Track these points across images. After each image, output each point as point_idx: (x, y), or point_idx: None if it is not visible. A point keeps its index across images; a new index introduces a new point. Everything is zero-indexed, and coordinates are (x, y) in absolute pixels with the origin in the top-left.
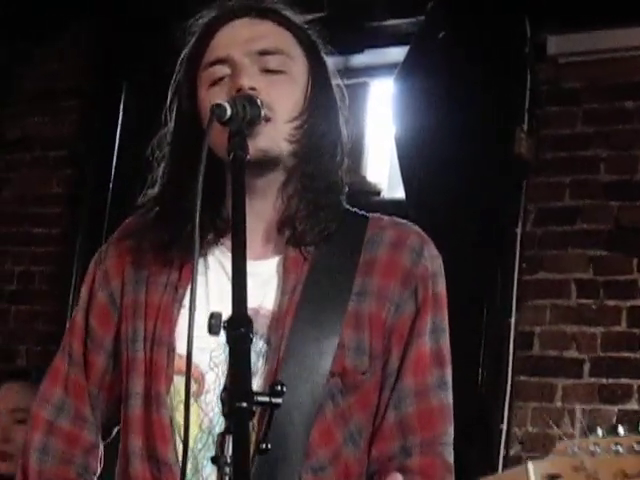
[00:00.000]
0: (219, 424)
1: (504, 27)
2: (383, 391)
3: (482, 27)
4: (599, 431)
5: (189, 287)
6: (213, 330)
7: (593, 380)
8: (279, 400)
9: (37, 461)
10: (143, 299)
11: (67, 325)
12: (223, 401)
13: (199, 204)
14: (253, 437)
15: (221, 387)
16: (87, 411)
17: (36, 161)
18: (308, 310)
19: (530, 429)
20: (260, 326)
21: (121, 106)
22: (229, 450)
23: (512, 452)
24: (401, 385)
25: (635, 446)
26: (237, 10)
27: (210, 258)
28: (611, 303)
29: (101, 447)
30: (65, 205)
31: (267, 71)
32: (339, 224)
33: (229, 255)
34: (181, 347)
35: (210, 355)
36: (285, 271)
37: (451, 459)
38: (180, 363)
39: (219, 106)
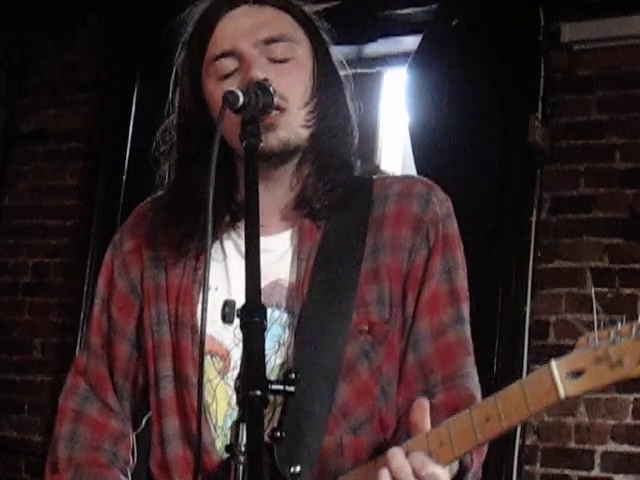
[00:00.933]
0: None
1: (518, 15)
2: (402, 337)
3: (496, 15)
4: (618, 323)
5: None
6: (227, 319)
7: None
8: (292, 388)
9: (66, 449)
10: (164, 283)
11: (83, 317)
12: (237, 389)
13: (212, 191)
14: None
15: None
16: (113, 402)
17: (50, 153)
18: (323, 275)
19: (546, 418)
20: (281, 298)
21: (134, 98)
22: (243, 439)
23: (528, 442)
24: (417, 327)
25: None
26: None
27: (227, 243)
28: (627, 291)
29: (132, 437)
30: (79, 197)
31: (274, 60)
32: (347, 190)
33: None
34: (210, 329)
35: (234, 332)
36: (300, 240)
37: (475, 388)
38: (212, 345)
39: (232, 93)
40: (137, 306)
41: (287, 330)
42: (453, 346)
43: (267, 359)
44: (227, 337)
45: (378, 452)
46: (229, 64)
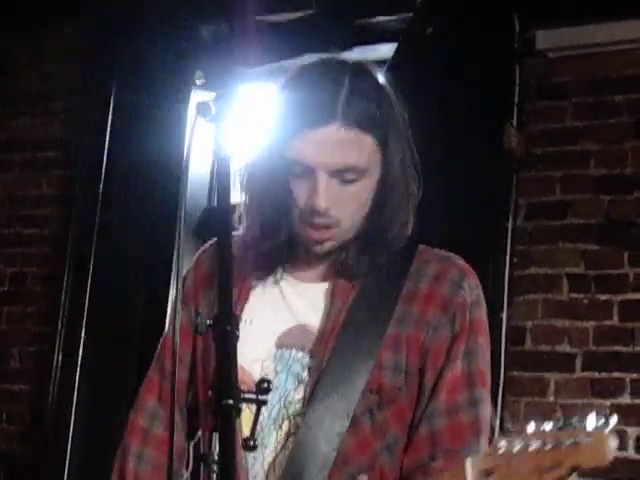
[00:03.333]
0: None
1: (493, 22)
2: (417, 407)
3: (470, 23)
4: (530, 426)
5: (247, 304)
6: (199, 329)
7: (585, 374)
8: (266, 397)
9: (134, 467)
10: None
11: (61, 326)
12: (210, 399)
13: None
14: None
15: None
16: (177, 417)
17: (26, 162)
18: (350, 331)
19: (523, 424)
20: (307, 342)
21: (111, 106)
22: (216, 447)
23: None
24: (434, 402)
25: (549, 442)
26: (328, 112)
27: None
28: (603, 297)
29: (191, 452)
30: (56, 206)
31: (343, 181)
32: (388, 256)
33: (288, 279)
34: (241, 359)
35: (262, 365)
36: (333, 295)
37: (485, 419)
38: (242, 375)
39: (204, 104)
40: (192, 339)
41: (306, 371)
42: (465, 427)
43: (287, 392)
44: (255, 369)
45: None
46: (303, 172)
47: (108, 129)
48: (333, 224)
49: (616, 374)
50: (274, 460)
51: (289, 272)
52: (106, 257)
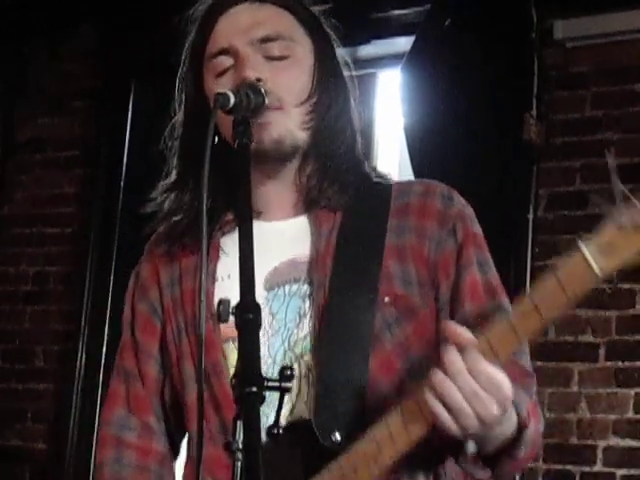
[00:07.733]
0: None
1: (510, 13)
2: (440, 323)
3: (488, 14)
4: None
5: (219, 262)
6: (222, 317)
7: (609, 364)
8: (289, 384)
9: (113, 471)
10: (179, 292)
11: (84, 324)
12: (233, 387)
13: (205, 191)
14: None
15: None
16: (152, 421)
17: (48, 162)
18: (347, 249)
19: (547, 414)
20: (300, 272)
21: (130, 105)
22: (240, 436)
23: None
24: (462, 311)
25: None
26: None
27: (235, 237)
28: (625, 286)
29: (174, 462)
30: (77, 205)
31: (271, 58)
32: (364, 187)
33: (257, 224)
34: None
35: None
36: (316, 225)
37: (528, 366)
38: (227, 330)
39: (222, 95)
40: (159, 327)
41: (307, 301)
42: None
43: (290, 333)
44: None
45: None
46: (225, 61)
47: (128, 127)
48: (276, 104)
49: None
50: (292, 409)
51: (255, 217)
52: (128, 255)
